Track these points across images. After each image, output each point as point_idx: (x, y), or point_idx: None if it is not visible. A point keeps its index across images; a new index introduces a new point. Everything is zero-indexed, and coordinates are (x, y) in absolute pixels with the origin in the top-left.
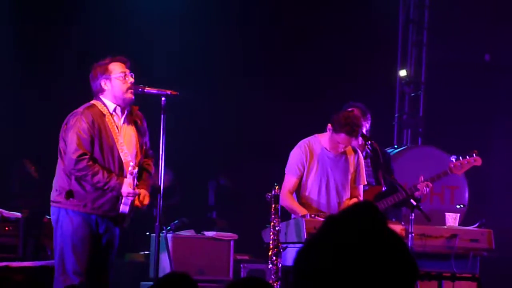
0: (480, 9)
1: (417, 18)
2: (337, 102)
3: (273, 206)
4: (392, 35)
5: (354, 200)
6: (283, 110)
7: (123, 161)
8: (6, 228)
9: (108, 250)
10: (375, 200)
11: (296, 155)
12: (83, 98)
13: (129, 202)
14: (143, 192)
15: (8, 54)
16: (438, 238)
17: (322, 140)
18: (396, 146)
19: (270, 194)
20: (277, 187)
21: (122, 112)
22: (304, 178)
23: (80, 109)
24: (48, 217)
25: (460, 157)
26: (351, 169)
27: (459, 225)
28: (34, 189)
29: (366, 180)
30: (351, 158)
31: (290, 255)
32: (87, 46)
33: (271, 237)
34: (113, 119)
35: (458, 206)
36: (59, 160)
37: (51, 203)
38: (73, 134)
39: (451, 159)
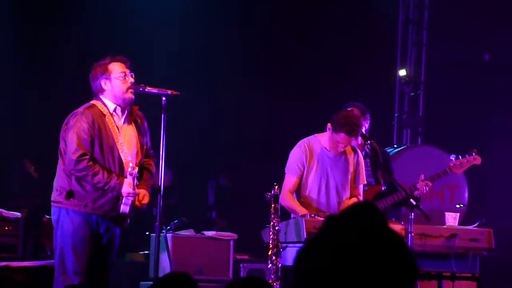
0: (480, 9)
1: (416, 18)
2: (337, 102)
3: (272, 205)
4: (392, 35)
5: (354, 199)
6: (283, 110)
7: (124, 161)
8: (6, 228)
9: (109, 250)
10: (375, 199)
11: (296, 155)
12: (83, 98)
13: (130, 202)
14: (142, 191)
15: (8, 54)
16: (438, 238)
17: (322, 140)
18: (395, 146)
19: (269, 194)
20: (276, 187)
21: (122, 112)
22: (304, 178)
23: (80, 109)
24: (47, 217)
25: (460, 156)
26: (351, 168)
27: (458, 224)
28: (33, 189)
29: (366, 179)
30: (351, 158)
31: (289, 254)
32: (87, 46)
33: (271, 236)
34: (113, 119)
35: (457, 206)
36: (59, 160)
37: (52, 203)
38: (73, 134)
39: (451, 158)
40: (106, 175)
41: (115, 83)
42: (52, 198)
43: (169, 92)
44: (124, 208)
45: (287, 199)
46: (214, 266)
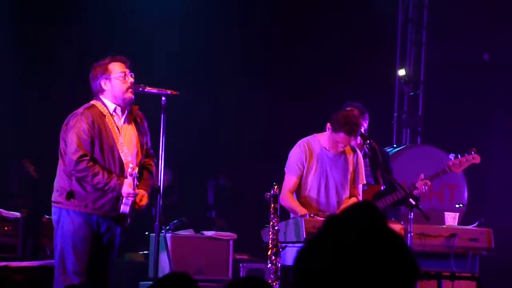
0: (479, 9)
1: (416, 18)
2: (337, 102)
3: (272, 205)
4: (391, 35)
5: (354, 199)
6: (283, 110)
7: (124, 161)
8: (5, 228)
9: (109, 249)
10: (374, 199)
11: (295, 155)
12: (83, 98)
13: (130, 202)
14: (141, 192)
15: (8, 54)
16: (437, 238)
17: (321, 140)
18: (395, 145)
19: (269, 194)
20: (276, 186)
21: (122, 112)
22: (303, 178)
23: (80, 109)
24: (47, 216)
25: (459, 155)
26: (350, 168)
27: (458, 224)
28: (33, 189)
29: (365, 179)
30: (350, 158)
31: (289, 254)
32: (87, 46)
33: (270, 236)
34: (113, 120)
35: (457, 206)
36: (59, 161)
37: (52, 204)
38: (73, 135)
39: (450, 157)
40: (106, 176)
41: (115, 83)
42: (53, 199)
43: (168, 92)
44: (124, 208)
45: (287, 199)
46: (213, 266)
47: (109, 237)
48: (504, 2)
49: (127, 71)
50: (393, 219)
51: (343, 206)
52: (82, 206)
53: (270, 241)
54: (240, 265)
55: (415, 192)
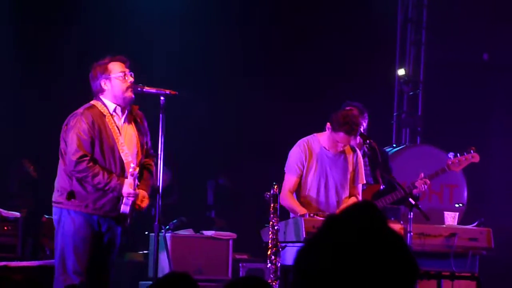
0: (479, 8)
1: (415, 18)
2: (337, 102)
3: (272, 205)
4: (391, 35)
5: (353, 199)
6: (283, 110)
7: (124, 161)
8: (5, 228)
9: (110, 249)
10: (373, 198)
11: (295, 154)
12: (83, 98)
13: (130, 202)
14: (142, 193)
15: (8, 54)
16: (437, 237)
17: (321, 139)
18: (394, 145)
19: (269, 193)
20: (276, 186)
21: (123, 112)
22: (303, 177)
23: (80, 110)
24: (46, 216)
25: (458, 154)
26: (350, 168)
27: (458, 224)
28: (32, 189)
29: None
30: (350, 157)
31: (289, 254)
32: (87, 46)
33: (270, 236)
34: (113, 120)
35: (457, 205)
36: (60, 161)
37: (53, 204)
38: (73, 135)
39: (449, 156)
40: (106, 176)
41: (115, 82)
42: (53, 199)
43: (167, 91)
44: (125, 208)
45: (287, 198)
46: (213, 265)
47: (109, 237)
48: (504, 2)
49: (127, 70)
50: (392, 218)
51: (343, 205)
52: (82, 206)
53: (269, 241)
54: (240, 264)
55: (415, 191)
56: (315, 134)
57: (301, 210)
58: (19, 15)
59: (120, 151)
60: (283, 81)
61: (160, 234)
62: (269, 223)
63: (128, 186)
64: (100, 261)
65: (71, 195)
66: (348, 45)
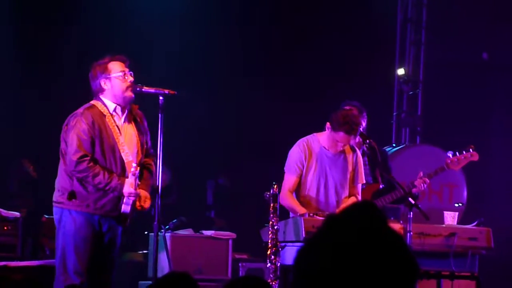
0: (479, 8)
1: (415, 17)
2: (337, 102)
3: (271, 205)
4: (391, 34)
5: (353, 198)
6: (283, 110)
7: (125, 161)
8: (5, 228)
9: (110, 249)
10: (373, 198)
11: (295, 154)
12: (83, 98)
13: (131, 202)
14: (143, 194)
15: (8, 54)
16: (436, 237)
17: (320, 139)
18: (394, 145)
19: (268, 193)
20: (275, 186)
21: (123, 112)
22: (303, 177)
23: (80, 110)
24: (46, 216)
25: (457, 153)
26: (350, 168)
27: (457, 223)
28: (32, 189)
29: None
30: (350, 157)
31: (288, 254)
32: (87, 46)
33: (270, 236)
34: (113, 119)
35: (456, 205)
36: (60, 161)
37: (53, 204)
38: (73, 136)
39: (448, 154)
40: (107, 176)
41: (115, 82)
42: (54, 199)
43: (166, 91)
44: (126, 208)
45: (287, 198)
46: (213, 265)
47: (110, 236)
48: (504, 1)
49: (127, 70)
50: (392, 218)
51: (343, 205)
52: (83, 206)
53: (269, 241)
54: (240, 264)
55: (414, 190)
56: (314, 133)
57: (301, 209)
58: (19, 15)
59: (121, 151)
60: (283, 81)
61: (159, 234)
62: (268, 223)
63: (129, 186)
64: (101, 261)
65: (72, 195)
66: (348, 45)
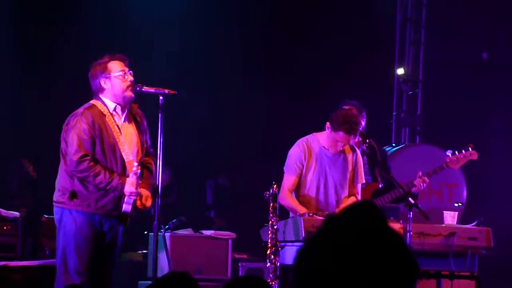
0: (478, 8)
1: (414, 17)
2: (336, 101)
3: (271, 204)
4: (390, 34)
5: (353, 198)
6: (283, 110)
7: (125, 160)
8: (5, 228)
9: (111, 248)
10: (372, 197)
11: (294, 154)
12: (83, 98)
13: (132, 201)
14: (145, 193)
15: (8, 54)
16: (436, 236)
17: (320, 139)
18: (394, 145)
19: (268, 193)
20: (275, 185)
21: (122, 111)
22: (302, 177)
23: (80, 109)
24: (46, 216)
25: (456, 152)
26: (350, 167)
27: (457, 223)
28: (32, 189)
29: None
30: (350, 157)
31: (288, 253)
32: (87, 46)
33: (269, 235)
34: (113, 119)
35: (456, 204)
36: (61, 161)
37: (54, 204)
38: (73, 135)
39: (447, 153)
40: (108, 175)
41: (115, 81)
42: (55, 199)
43: (166, 91)
44: (127, 207)
45: (286, 198)
46: (212, 265)
47: (111, 236)
48: (503, 1)
49: (127, 69)
50: (392, 218)
51: (342, 205)
52: (84, 206)
53: (269, 240)
54: (239, 264)
55: (414, 189)
56: (314, 133)
57: (301, 209)
58: (19, 15)
59: (121, 150)
60: (283, 81)
61: (159, 233)
62: (268, 223)
63: (130, 185)
64: (102, 260)
65: (73, 195)
66: (348, 45)
